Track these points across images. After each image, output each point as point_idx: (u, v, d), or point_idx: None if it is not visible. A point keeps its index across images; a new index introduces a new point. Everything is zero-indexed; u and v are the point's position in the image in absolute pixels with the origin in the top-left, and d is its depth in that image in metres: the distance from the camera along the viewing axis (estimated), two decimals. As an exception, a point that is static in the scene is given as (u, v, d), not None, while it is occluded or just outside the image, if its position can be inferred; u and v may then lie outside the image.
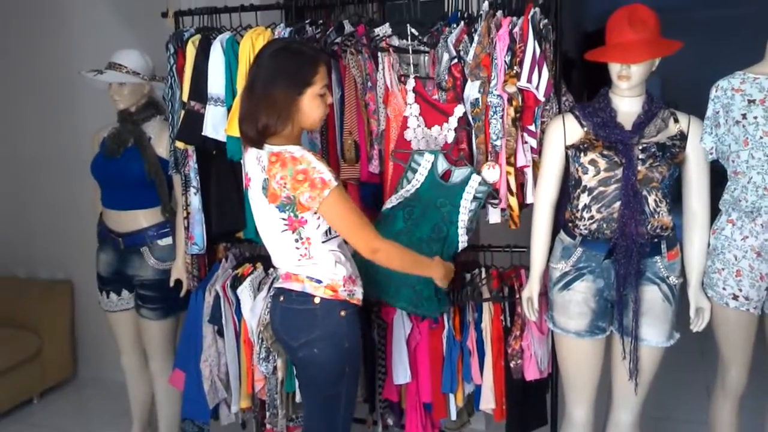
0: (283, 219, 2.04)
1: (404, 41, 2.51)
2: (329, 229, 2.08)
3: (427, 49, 2.52)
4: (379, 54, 2.48)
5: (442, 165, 2.36)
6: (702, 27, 8.30)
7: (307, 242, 2.07)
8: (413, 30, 2.49)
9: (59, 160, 3.93)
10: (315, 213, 2.02)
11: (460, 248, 2.35)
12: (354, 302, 2.14)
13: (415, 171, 2.37)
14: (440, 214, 2.33)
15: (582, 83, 7.03)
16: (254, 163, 2.07)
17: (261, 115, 1.99)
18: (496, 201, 2.36)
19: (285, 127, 2.02)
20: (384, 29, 2.55)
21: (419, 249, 2.30)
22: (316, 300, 2.09)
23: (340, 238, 2.12)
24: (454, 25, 2.48)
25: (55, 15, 3.83)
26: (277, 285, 2.21)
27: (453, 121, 2.41)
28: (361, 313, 2.58)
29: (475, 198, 2.32)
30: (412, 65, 2.51)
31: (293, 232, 2.05)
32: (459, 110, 2.40)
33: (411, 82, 2.45)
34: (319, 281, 2.09)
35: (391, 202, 2.36)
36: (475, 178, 2.32)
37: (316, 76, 2.01)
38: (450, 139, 2.42)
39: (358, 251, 2.07)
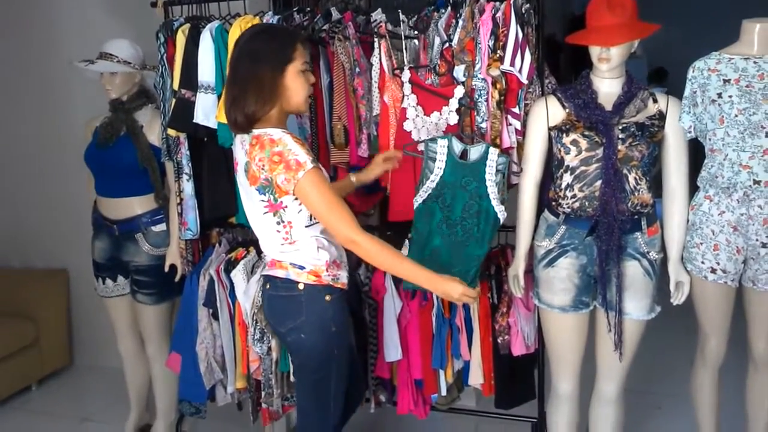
0: (263, 201, 2.06)
1: (395, 27, 2.56)
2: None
3: (415, 34, 2.57)
4: (375, 39, 2.52)
5: (458, 146, 2.38)
6: (687, 9, 8.35)
7: (289, 226, 2.08)
8: (403, 17, 2.54)
9: (52, 150, 3.96)
10: (295, 197, 2.02)
11: (501, 219, 2.37)
12: (339, 286, 2.15)
13: (434, 159, 2.38)
14: (468, 192, 2.36)
15: (570, 66, 7.08)
16: (239, 147, 2.11)
17: (249, 99, 2.01)
18: (519, 170, 2.39)
19: (272, 109, 2.04)
20: (378, 15, 2.59)
21: (455, 232, 2.36)
22: (300, 286, 2.10)
23: None
24: (443, 10, 2.54)
25: (45, 6, 3.85)
26: (263, 272, 2.24)
27: (454, 103, 2.44)
28: (353, 293, 2.66)
29: (497, 171, 2.35)
30: (405, 51, 2.55)
31: (274, 215, 2.07)
32: (459, 91, 2.43)
33: (406, 73, 2.47)
34: (302, 267, 2.11)
35: (421, 197, 2.39)
36: (493, 151, 2.35)
37: (296, 52, 2.03)
38: (452, 121, 2.45)
39: (335, 239, 2.07)
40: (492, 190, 2.35)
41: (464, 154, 2.39)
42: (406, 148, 2.45)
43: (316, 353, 2.14)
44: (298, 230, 2.08)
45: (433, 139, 2.40)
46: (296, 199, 2.03)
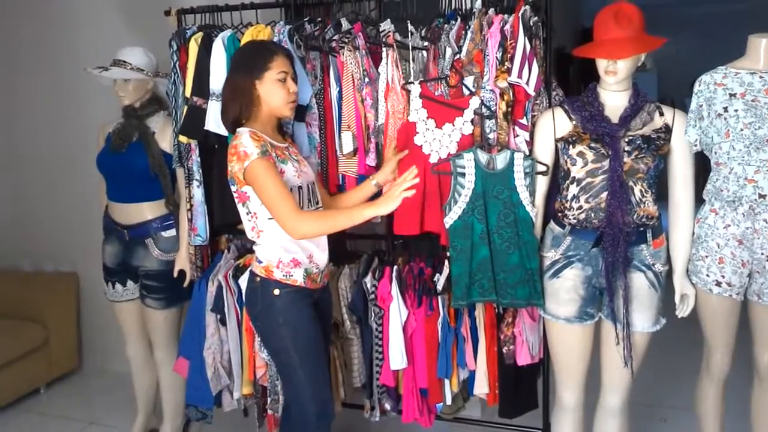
0: (234, 193, 2.27)
1: (404, 38, 2.59)
2: None
3: (425, 45, 2.60)
4: (384, 49, 2.55)
5: (483, 157, 2.41)
6: (697, 23, 8.36)
7: (255, 217, 2.26)
8: (412, 28, 2.57)
9: (64, 154, 4.01)
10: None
11: (534, 221, 2.41)
12: (290, 283, 2.28)
13: (463, 174, 2.41)
14: (501, 202, 2.39)
15: (580, 78, 7.11)
16: None
17: (230, 105, 2.27)
18: (545, 169, 2.40)
19: (252, 113, 2.26)
20: (387, 25, 2.62)
21: (492, 240, 2.40)
22: (257, 279, 2.31)
23: None
24: (453, 22, 2.56)
25: (62, 14, 3.91)
26: None
27: (469, 113, 2.46)
28: (359, 300, 2.69)
29: (525, 174, 2.38)
30: (411, 61, 2.58)
31: (243, 206, 2.27)
32: (475, 102, 2.45)
33: (416, 88, 2.50)
34: (260, 261, 2.31)
35: (455, 213, 2.42)
36: (518, 156, 2.37)
37: (272, 62, 2.23)
38: (467, 131, 2.48)
39: (283, 229, 2.17)
40: (524, 196, 2.38)
41: (490, 164, 2.42)
42: (434, 168, 2.48)
43: (270, 341, 2.35)
44: (262, 221, 2.25)
45: (459, 155, 2.43)
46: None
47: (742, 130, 2.22)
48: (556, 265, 2.35)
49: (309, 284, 2.31)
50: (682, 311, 2.44)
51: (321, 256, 2.34)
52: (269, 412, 2.82)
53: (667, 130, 2.31)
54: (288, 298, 2.27)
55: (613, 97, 2.30)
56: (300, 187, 2.27)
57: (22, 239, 4.23)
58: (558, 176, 2.41)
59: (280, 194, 2.13)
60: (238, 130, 2.25)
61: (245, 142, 2.17)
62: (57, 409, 3.75)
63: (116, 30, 3.70)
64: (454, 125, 2.48)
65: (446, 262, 2.60)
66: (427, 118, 2.50)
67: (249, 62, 2.25)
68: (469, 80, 2.47)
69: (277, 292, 2.27)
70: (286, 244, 2.25)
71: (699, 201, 2.39)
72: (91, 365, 4.20)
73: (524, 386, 2.72)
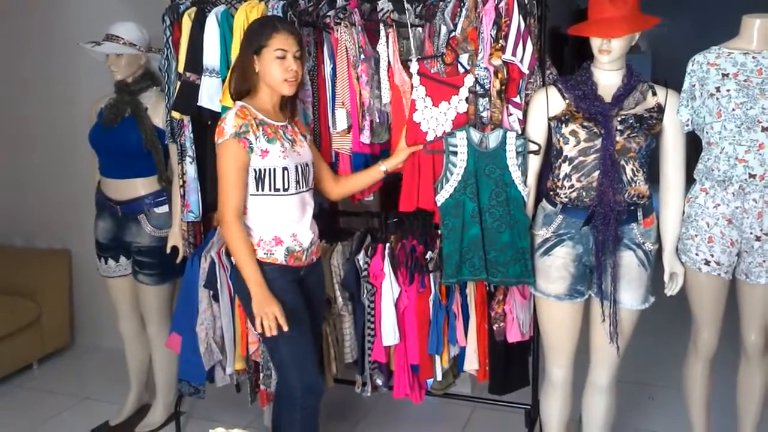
0: None
1: (401, 15, 2.58)
2: (257, 181, 2.26)
3: (421, 22, 2.59)
4: (382, 28, 2.54)
5: (476, 135, 2.42)
6: (692, 5, 8.34)
7: None
8: (408, 5, 2.56)
9: (57, 130, 3.99)
10: None
11: (526, 200, 2.41)
12: (270, 261, 2.30)
13: (455, 153, 2.42)
14: (492, 181, 2.41)
15: (574, 57, 7.10)
16: None
17: (232, 77, 2.34)
18: (537, 148, 2.40)
19: (250, 85, 2.30)
20: (385, 4, 2.61)
21: (483, 218, 2.41)
22: None
23: (276, 198, 2.28)
24: (448, -1, 2.56)
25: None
26: None
27: (464, 92, 2.47)
28: (351, 277, 2.70)
29: (517, 153, 2.39)
30: (411, 38, 2.57)
31: None
32: (469, 80, 2.45)
33: (414, 65, 2.50)
34: None
35: (447, 191, 2.43)
36: (511, 135, 2.38)
37: (271, 39, 2.24)
38: (462, 110, 2.49)
39: (219, 213, 2.28)
40: (516, 175, 2.39)
41: (482, 142, 2.42)
42: (427, 147, 2.50)
43: (251, 318, 2.31)
44: (246, 196, 2.28)
45: (451, 134, 2.44)
46: None
47: (734, 110, 2.23)
48: (548, 243, 2.37)
49: (291, 262, 2.33)
50: (671, 290, 2.46)
51: (305, 234, 2.35)
52: (262, 387, 2.85)
53: (660, 109, 2.32)
54: (269, 276, 2.27)
55: (607, 77, 2.31)
56: (285, 168, 2.27)
57: (15, 216, 4.22)
58: (550, 155, 2.42)
59: (231, 186, 2.22)
60: (240, 102, 2.29)
61: (228, 119, 2.23)
62: (49, 384, 3.76)
63: (109, 4, 3.67)
64: (450, 103, 2.49)
65: (438, 240, 2.61)
66: (426, 95, 2.51)
67: (251, 37, 2.30)
68: (464, 58, 2.47)
69: None
70: (269, 222, 2.29)
71: (690, 180, 2.41)
72: (84, 341, 4.22)
73: (514, 364, 2.74)
